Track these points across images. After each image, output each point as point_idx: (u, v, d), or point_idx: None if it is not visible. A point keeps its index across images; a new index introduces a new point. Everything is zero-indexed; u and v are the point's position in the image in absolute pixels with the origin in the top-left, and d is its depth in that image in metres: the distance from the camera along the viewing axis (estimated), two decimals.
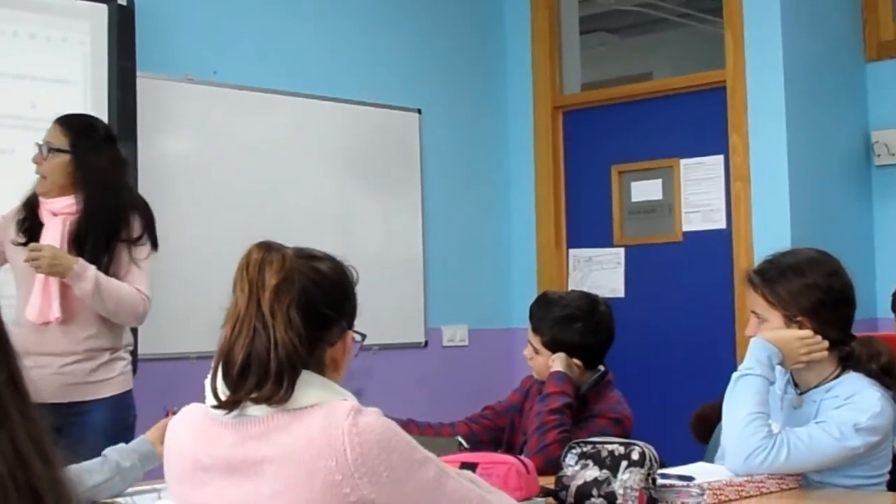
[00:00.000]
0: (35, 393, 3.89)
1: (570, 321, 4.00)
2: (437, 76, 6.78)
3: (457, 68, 6.90)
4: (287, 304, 2.28)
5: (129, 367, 4.63)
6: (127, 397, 4.56)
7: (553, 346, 3.99)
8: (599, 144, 6.79)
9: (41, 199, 4.41)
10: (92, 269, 4.30)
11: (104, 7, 5.21)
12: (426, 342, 6.58)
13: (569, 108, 6.96)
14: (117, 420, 4.45)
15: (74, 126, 4.41)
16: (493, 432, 4.14)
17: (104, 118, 5.05)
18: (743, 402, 3.32)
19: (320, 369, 2.35)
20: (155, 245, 4.50)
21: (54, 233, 4.32)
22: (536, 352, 4.05)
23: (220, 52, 5.82)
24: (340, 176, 6.24)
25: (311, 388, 2.28)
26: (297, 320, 2.28)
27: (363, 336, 2.52)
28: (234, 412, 2.30)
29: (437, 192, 6.69)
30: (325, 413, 2.23)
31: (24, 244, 4.33)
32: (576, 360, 3.95)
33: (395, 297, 6.30)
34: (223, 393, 2.30)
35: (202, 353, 5.25)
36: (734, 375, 3.41)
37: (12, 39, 4.99)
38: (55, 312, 4.34)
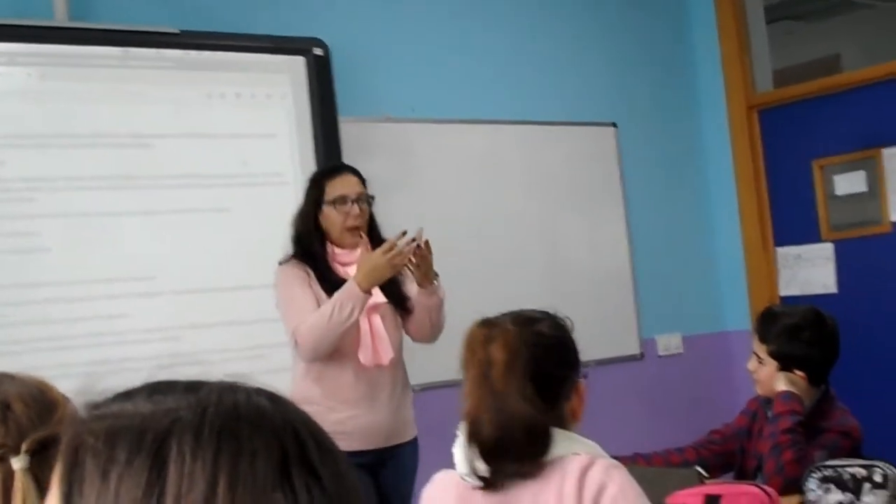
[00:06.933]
0: (366, 440, 3.98)
1: (797, 331, 3.97)
2: (629, 88, 6.79)
3: (647, 78, 6.90)
4: (519, 377, 2.37)
5: None
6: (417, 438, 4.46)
7: (779, 357, 3.96)
8: (797, 140, 6.70)
9: (336, 250, 4.32)
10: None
11: (301, 59, 5.37)
12: (642, 353, 6.58)
13: (763, 107, 6.89)
14: (415, 462, 4.35)
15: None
16: (723, 457, 4.11)
17: (311, 166, 5.21)
18: None
19: (562, 423, 2.43)
20: None
21: None
22: (761, 362, 4.02)
23: (416, 89, 5.94)
24: (542, 195, 6.29)
25: (555, 445, 2.37)
26: (530, 390, 2.37)
27: (586, 374, 2.58)
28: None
29: (640, 202, 6.70)
30: (561, 467, 2.32)
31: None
32: (799, 373, 3.92)
33: (607, 311, 6.35)
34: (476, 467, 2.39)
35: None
36: None
37: (220, 101, 5.16)
38: (389, 353, 4.20)
